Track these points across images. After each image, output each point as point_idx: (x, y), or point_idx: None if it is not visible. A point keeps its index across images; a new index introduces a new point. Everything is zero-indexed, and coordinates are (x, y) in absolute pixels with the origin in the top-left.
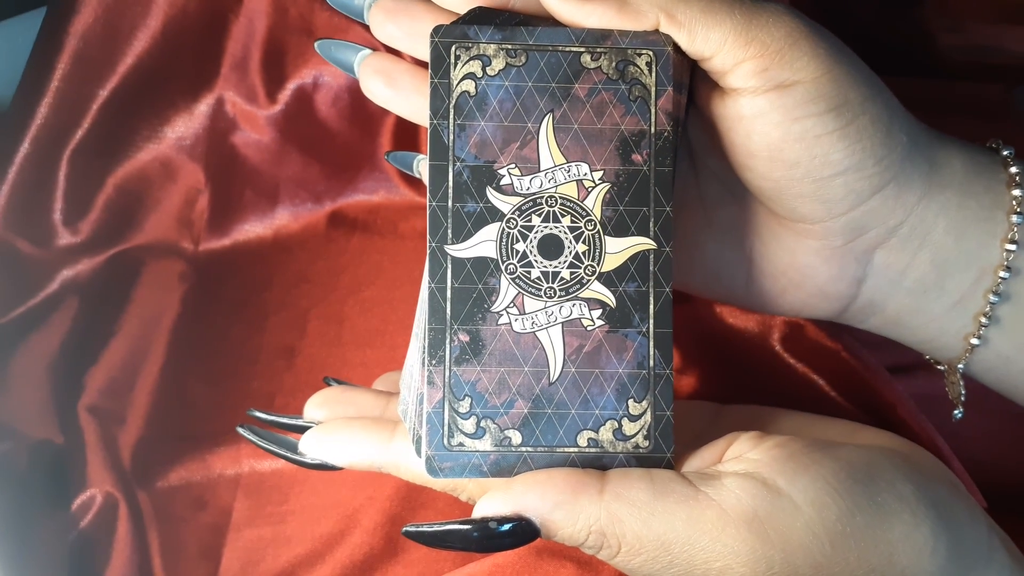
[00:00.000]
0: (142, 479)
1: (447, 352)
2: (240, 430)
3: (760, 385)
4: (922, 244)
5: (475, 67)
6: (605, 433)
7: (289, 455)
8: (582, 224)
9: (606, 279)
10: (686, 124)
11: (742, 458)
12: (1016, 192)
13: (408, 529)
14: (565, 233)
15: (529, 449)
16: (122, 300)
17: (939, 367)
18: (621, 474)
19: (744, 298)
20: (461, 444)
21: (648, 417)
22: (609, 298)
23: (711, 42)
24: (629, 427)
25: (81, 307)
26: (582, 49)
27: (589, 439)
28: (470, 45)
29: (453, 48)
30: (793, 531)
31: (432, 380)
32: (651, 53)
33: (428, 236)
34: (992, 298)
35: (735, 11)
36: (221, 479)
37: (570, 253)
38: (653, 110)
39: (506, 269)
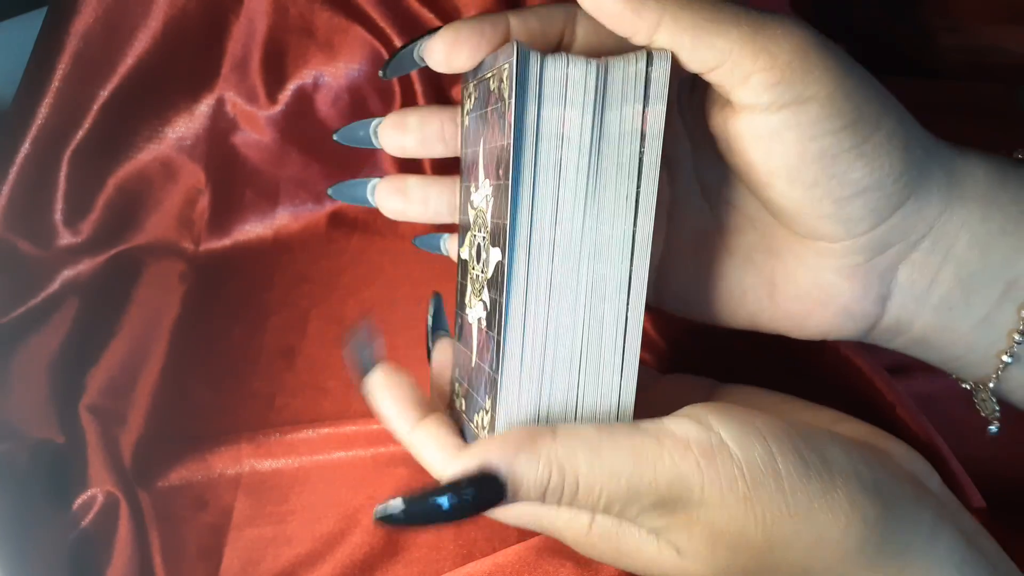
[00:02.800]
0: (143, 479)
1: (458, 331)
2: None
3: (758, 384)
4: (945, 258)
5: (468, 103)
6: (479, 419)
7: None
8: (482, 235)
9: (489, 285)
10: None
11: (687, 409)
12: None
13: (378, 515)
14: (482, 242)
15: (466, 417)
16: (123, 300)
17: (964, 385)
18: (569, 424)
19: (770, 323)
20: (459, 405)
21: (489, 416)
22: (488, 303)
23: (716, 50)
24: (480, 419)
25: (82, 307)
26: (490, 74)
27: (476, 420)
28: (467, 85)
29: (464, 91)
30: (719, 464)
31: (457, 351)
32: (508, 65)
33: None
34: None
35: (741, 20)
36: (222, 479)
37: (481, 260)
38: (511, 123)
39: (469, 269)
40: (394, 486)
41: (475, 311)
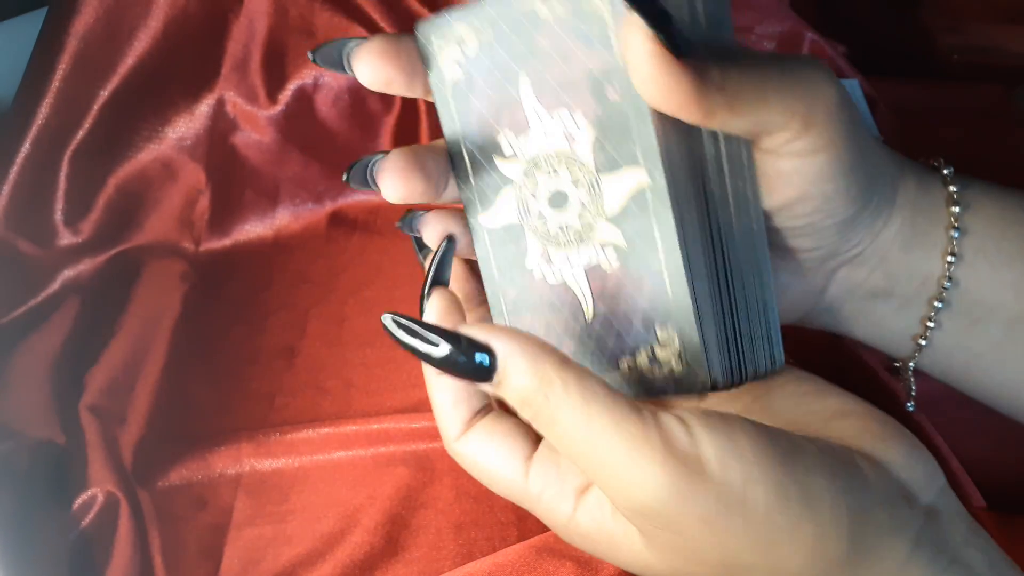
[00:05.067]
0: (143, 479)
1: (503, 307)
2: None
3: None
4: (880, 261)
5: (456, 52)
6: (641, 359)
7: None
8: (579, 173)
9: (613, 220)
10: None
11: (681, 409)
12: (954, 209)
13: (387, 316)
14: (567, 185)
15: (606, 363)
16: (123, 300)
17: (895, 364)
18: (586, 372)
19: None
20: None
21: (677, 344)
22: (619, 238)
23: (757, 119)
24: (661, 353)
25: (82, 307)
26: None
27: (628, 365)
28: (445, 30)
29: (432, 38)
30: (689, 479)
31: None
32: None
33: (466, 214)
34: (936, 304)
35: (783, 80)
36: (222, 478)
37: (576, 202)
38: (615, 40)
39: (528, 228)
40: (394, 486)
41: (560, 267)
